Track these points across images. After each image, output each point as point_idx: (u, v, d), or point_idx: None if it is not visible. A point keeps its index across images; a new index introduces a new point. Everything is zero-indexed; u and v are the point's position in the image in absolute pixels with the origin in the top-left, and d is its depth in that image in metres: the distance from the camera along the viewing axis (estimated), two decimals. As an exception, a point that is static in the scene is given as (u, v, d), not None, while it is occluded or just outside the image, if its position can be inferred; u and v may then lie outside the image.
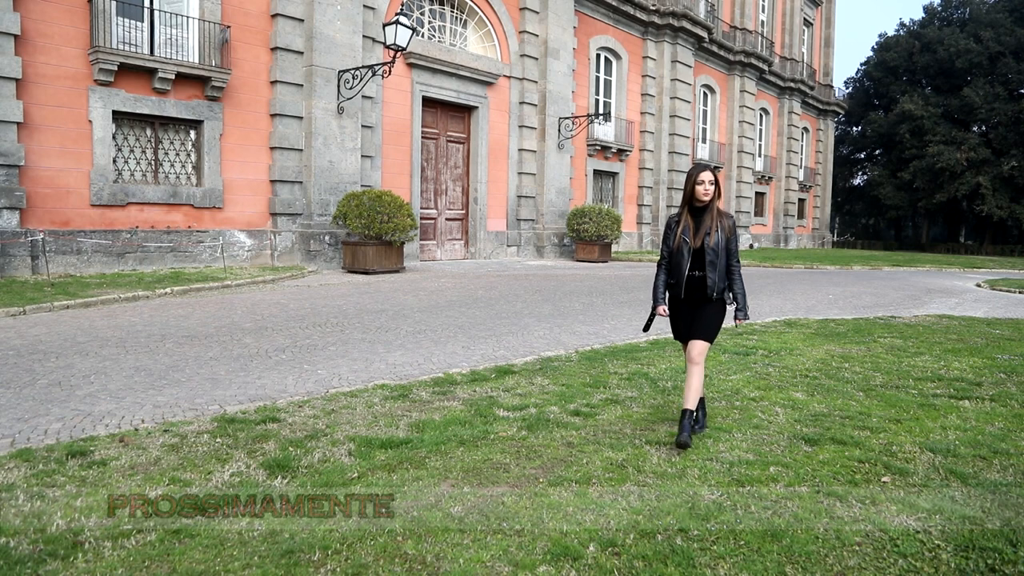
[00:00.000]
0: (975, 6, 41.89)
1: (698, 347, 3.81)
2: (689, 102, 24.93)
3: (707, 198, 3.71)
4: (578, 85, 20.42)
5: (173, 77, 11.58)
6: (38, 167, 10.51)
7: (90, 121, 11.00)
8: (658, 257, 3.96)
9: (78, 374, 5.09)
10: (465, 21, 17.49)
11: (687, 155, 25.17)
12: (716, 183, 3.74)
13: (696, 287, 3.79)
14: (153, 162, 12.03)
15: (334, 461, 3.36)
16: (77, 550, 2.44)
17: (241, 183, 13.00)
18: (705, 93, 27.69)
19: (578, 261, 18.59)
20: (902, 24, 46.48)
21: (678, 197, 24.96)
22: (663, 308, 3.91)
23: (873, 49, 47.01)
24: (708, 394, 4.77)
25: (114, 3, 11.10)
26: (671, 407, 4.42)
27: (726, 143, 28.69)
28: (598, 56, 21.99)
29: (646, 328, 4.01)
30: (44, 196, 10.60)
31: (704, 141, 27.60)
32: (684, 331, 3.92)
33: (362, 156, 14.55)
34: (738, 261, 3.82)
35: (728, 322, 4.00)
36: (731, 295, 3.82)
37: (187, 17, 12.08)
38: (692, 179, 3.73)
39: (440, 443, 3.62)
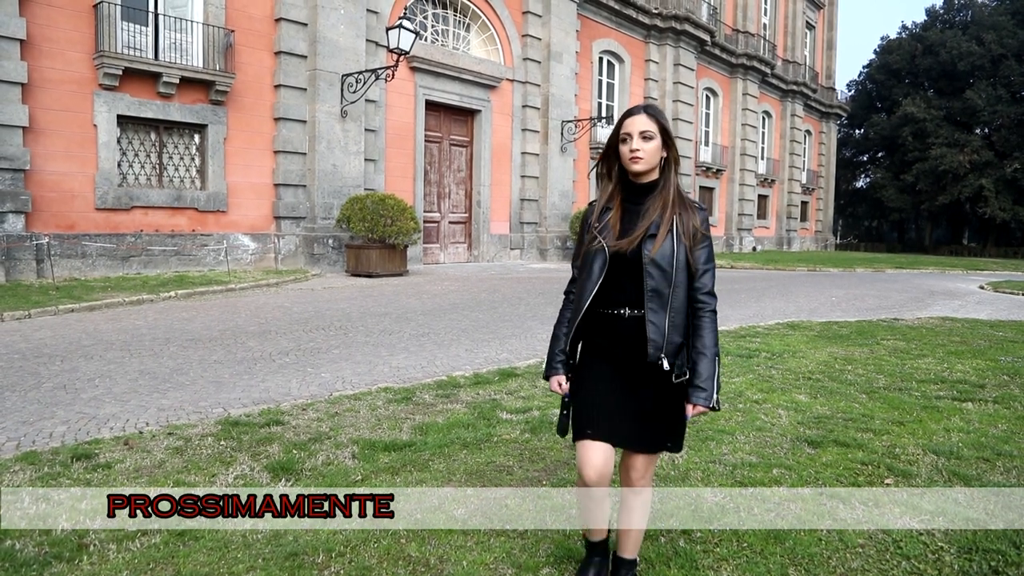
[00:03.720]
0: (977, 8, 41.86)
1: (643, 462, 2.14)
2: (692, 105, 24.94)
3: (639, 167, 2.01)
4: (581, 88, 20.46)
5: (177, 81, 11.63)
6: (43, 171, 10.56)
7: (95, 125, 11.06)
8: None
9: (83, 377, 5.12)
10: (468, 25, 17.54)
11: (690, 157, 25.18)
12: (665, 138, 2.03)
13: (621, 339, 2.04)
14: (157, 166, 12.09)
15: (338, 464, 3.37)
16: (82, 552, 2.45)
17: (245, 187, 13.05)
18: (708, 96, 27.71)
19: (581, 264, 18.58)
20: (904, 27, 46.45)
21: (681, 200, 24.90)
22: (558, 380, 2.16)
23: (875, 52, 46.99)
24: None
25: (119, 8, 11.17)
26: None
27: (729, 146, 28.69)
28: (600, 59, 22.03)
29: (561, 430, 2.17)
30: (49, 200, 10.65)
31: (707, 144, 27.61)
32: (608, 424, 2.06)
33: (365, 159, 14.59)
34: (711, 293, 2.04)
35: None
36: (689, 362, 2.02)
37: (191, 21, 12.14)
38: (616, 131, 2.06)
39: (443, 446, 3.63)
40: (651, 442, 2.09)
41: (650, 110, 2.04)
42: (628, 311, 2.03)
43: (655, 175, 2.07)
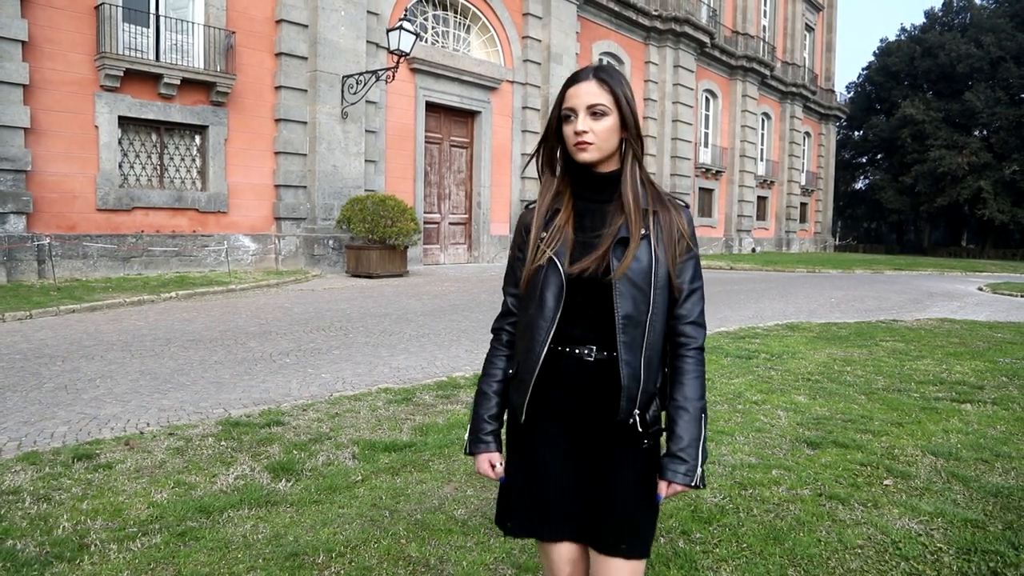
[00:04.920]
0: (976, 11, 41.93)
1: (619, 571, 1.48)
2: (691, 107, 24.97)
3: (587, 156, 1.45)
4: (580, 90, 20.46)
5: (178, 82, 11.65)
6: (44, 172, 10.57)
7: (96, 126, 11.07)
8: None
9: (84, 378, 5.12)
10: (468, 27, 17.57)
11: (689, 159, 25.21)
12: (623, 115, 1.45)
13: (583, 390, 1.48)
14: (158, 167, 12.10)
15: (338, 464, 3.38)
16: (83, 552, 2.46)
17: (246, 187, 13.06)
18: (707, 98, 27.74)
19: (580, 265, 18.59)
20: (903, 29, 46.52)
21: (680, 201, 24.94)
22: (489, 459, 1.56)
23: (874, 54, 47.04)
24: (711, 398, 4.77)
25: (120, 9, 11.18)
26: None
27: (728, 148, 28.72)
28: (600, 61, 22.05)
29: (501, 520, 1.60)
30: (50, 201, 10.66)
31: (706, 146, 27.64)
32: (567, 514, 1.50)
33: (366, 161, 14.61)
34: (697, 323, 1.49)
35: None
36: (667, 419, 1.48)
37: (192, 23, 12.16)
38: (557, 105, 1.48)
39: (443, 446, 3.64)
40: (632, 542, 1.47)
41: (602, 73, 1.44)
42: (594, 351, 1.45)
43: (614, 164, 1.49)
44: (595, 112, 1.43)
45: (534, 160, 1.57)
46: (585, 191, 1.51)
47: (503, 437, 1.59)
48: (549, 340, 1.45)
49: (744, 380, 5.32)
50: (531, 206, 1.55)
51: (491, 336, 1.64)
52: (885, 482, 3.26)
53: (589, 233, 1.48)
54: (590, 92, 1.43)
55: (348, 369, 5.68)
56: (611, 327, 1.43)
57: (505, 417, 1.59)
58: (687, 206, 1.54)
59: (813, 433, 3.98)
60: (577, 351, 1.47)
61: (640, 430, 1.44)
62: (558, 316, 1.45)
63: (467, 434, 1.59)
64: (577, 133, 1.43)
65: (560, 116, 1.48)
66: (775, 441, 3.85)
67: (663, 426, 1.48)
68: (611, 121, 1.44)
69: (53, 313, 7.93)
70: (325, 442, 3.70)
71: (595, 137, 1.43)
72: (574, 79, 1.46)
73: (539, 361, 1.46)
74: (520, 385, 1.51)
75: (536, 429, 1.52)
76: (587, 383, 1.47)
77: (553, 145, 1.53)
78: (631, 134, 1.48)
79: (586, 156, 1.44)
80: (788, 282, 15.83)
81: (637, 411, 1.43)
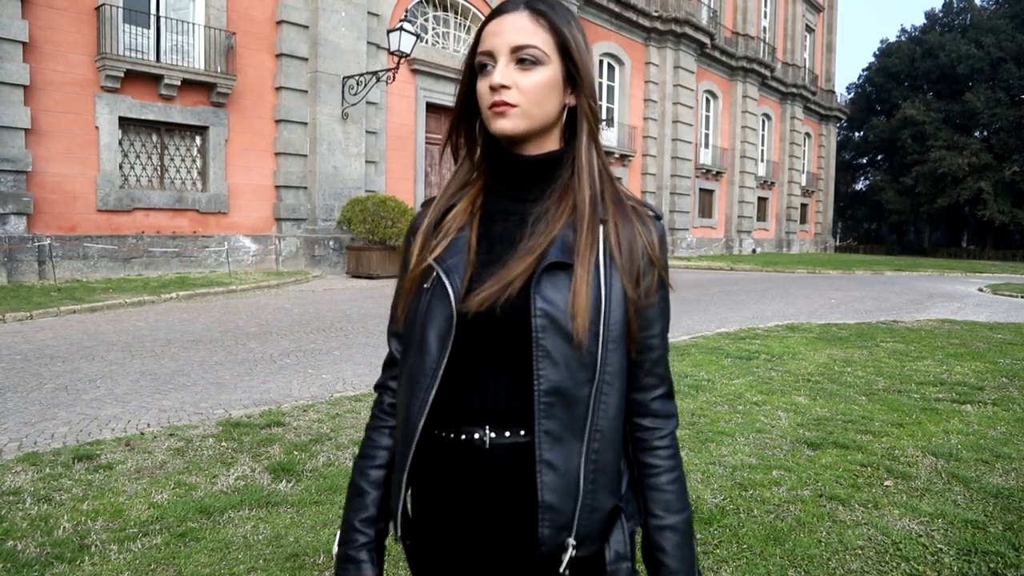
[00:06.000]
0: (976, 12, 41.99)
1: None
2: (692, 107, 24.99)
3: (506, 126, 0.90)
4: (581, 91, 20.49)
5: (179, 83, 11.66)
6: (45, 173, 10.58)
7: (97, 127, 11.08)
8: None
9: (84, 378, 5.12)
10: (468, 27, 17.59)
11: (689, 160, 25.22)
12: (569, 65, 0.92)
13: (480, 494, 0.92)
14: (159, 168, 12.11)
15: (338, 465, 3.38)
16: (83, 553, 2.46)
17: (246, 188, 13.07)
18: (708, 99, 27.75)
19: (581, 266, 18.59)
20: (903, 30, 46.59)
21: (681, 202, 25.03)
22: None
23: (875, 55, 47.13)
24: (711, 398, 4.78)
25: (121, 10, 11.19)
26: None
27: (729, 148, 28.73)
28: (601, 62, 22.07)
29: None
30: (51, 201, 10.67)
31: (707, 146, 27.65)
32: None
33: (366, 161, 14.62)
34: (670, 396, 0.97)
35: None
36: (645, 543, 0.97)
37: (193, 24, 12.17)
38: (472, 51, 0.95)
39: (444, 447, 3.63)
40: None
41: (539, 4, 0.93)
42: (492, 433, 0.92)
43: (551, 143, 0.97)
44: (523, 59, 0.91)
45: (448, 141, 1.03)
46: (504, 185, 0.98)
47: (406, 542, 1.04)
48: (428, 406, 0.91)
49: (744, 381, 5.32)
50: (428, 204, 1.03)
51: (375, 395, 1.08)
52: (885, 483, 3.26)
53: (499, 245, 0.95)
54: (517, 27, 0.91)
55: (348, 369, 5.68)
56: (522, 398, 0.90)
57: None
58: (659, 217, 0.98)
59: (813, 434, 3.98)
60: (477, 435, 0.92)
61: (570, 550, 0.89)
62: (442, 369, 0.91)
63: (335, 544, 1.04)
64: (493, 88, 0.91)
65: (474, 66, 0.95)
66: (775, 442, 3.85)
67: (622, 562, 0.93)
68: (548, 74, 0.92)
69: (53, 314, 7.93)
70: (326, 443, 3.70)
71: (520, 96, 0.91)
72: (497, 11, 0.94)
73: (414, 440, 0.92)
74: (394, 478, 0.98)
75: (428, 552, 1.01)
76: (485, 483, 0.92)
77: (471, 117, 1.00)
78: (583, 98, 0.94)
79: (505, 124, 0.91)
80: (788, 283, 15.84)
81: (572, 541, 0.89)
